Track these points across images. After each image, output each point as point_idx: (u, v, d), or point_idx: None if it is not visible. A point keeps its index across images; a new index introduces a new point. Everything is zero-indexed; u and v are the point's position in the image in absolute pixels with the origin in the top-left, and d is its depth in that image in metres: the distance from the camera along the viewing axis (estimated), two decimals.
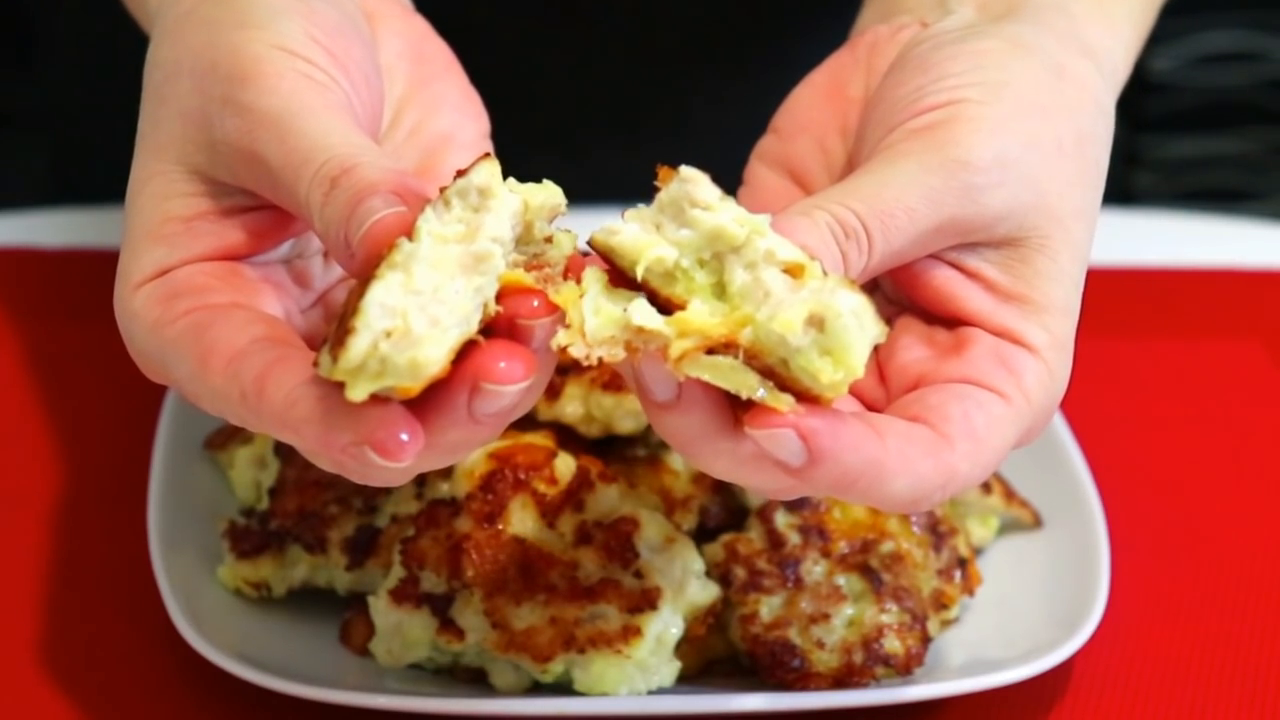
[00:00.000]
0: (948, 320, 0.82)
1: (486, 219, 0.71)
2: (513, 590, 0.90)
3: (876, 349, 0.73)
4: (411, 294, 0.69)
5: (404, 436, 0.69)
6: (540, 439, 0.97)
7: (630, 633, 0.89)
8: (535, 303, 0.72)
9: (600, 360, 0.71)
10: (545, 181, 0.75)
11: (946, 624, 0.97)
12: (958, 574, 0.97)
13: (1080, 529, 1.00)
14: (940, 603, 0.95)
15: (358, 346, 0.67)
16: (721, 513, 0.98)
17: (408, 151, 0.87)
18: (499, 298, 0.71)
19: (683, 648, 0.92)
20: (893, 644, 0.92)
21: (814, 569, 0.94)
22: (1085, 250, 0.83)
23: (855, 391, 0.81)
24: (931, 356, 0.81)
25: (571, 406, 0.98)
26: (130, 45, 0.94)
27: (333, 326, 0.72)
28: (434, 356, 0.68)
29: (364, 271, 0.70)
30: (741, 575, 0.94)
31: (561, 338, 0.71)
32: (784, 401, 0.71)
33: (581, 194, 0.82)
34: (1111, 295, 1.23)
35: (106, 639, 0.97)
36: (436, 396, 0.70)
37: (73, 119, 1.47)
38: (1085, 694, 0.96)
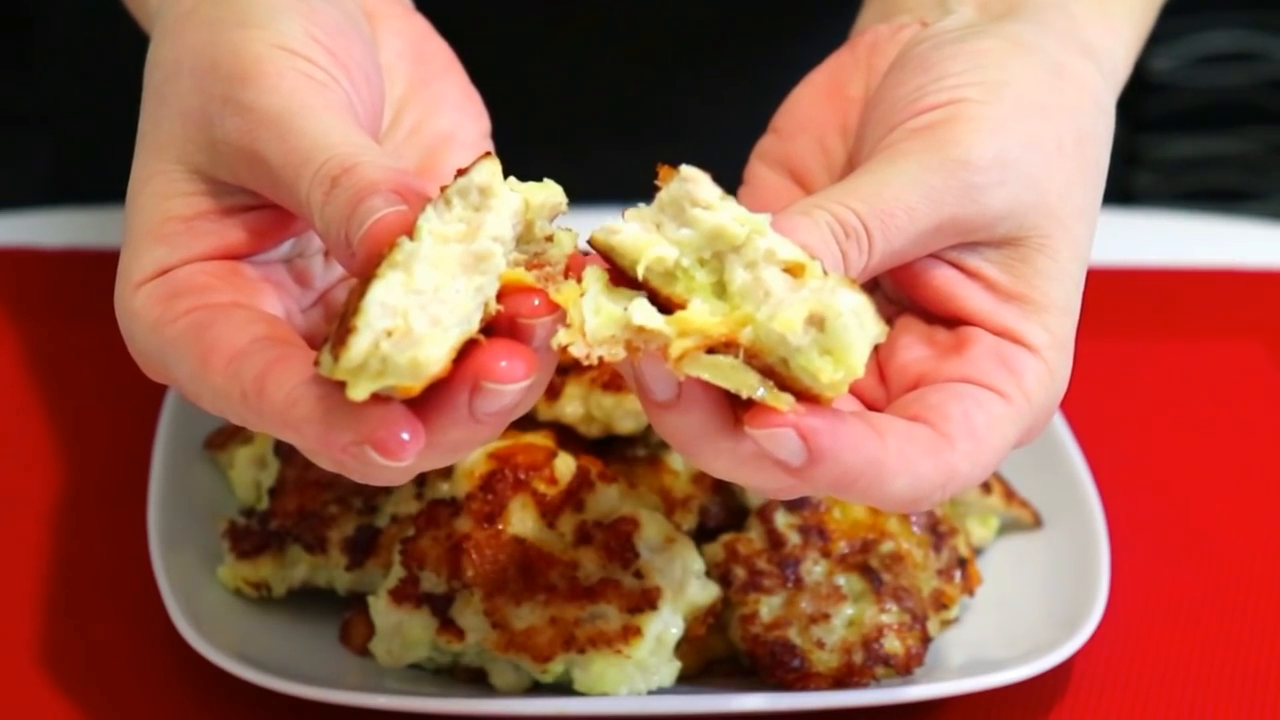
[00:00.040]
0: (948, 320, 0.82)
1: (487, 218, 0.71)
2: (513, 590, 0.90)
3: (877, 348, 0.73)
4: (412, 293, 0.69)
5: (405, 436, 0.69)
6: (540, 439, 0.97)
7: (630, 633, 0.89)
8: (536, 302, 0.72)
9: (600, 360, 0.71)
10: (546, 180, 0.75)
11: (946, 624, 0.97)
12: (958, 574, 0.97)
13: (1080, 529, 1.00)
14: (940, 603, 0.95)
15: (359, 346, 0.67)
16: (721, 513, 0.98)
17: (408, 151, 0.87)
18: (500, 297, 0.71)
19: (683, 648, 0.92)
20: (893, 644, 0.92)
21: (814, 569, 0.94)
22: (1086, 250, 0.83)
23: (855, 391, 0.81)
24: (932, 356, 0.81)
25: (571, 406, 0.98)
26: (130, 45, 0.94)
27: (334, 326, 0.72)
28: (435, 356, 0.68)
29: (365, 271, 0.70)
30: (741, 575, 0.94)
31: (562, 337, 0.71)
32: (784, 401, 0.71)
33: (582, 194, 0.82)
34: (1111, 295, 1.23)
35: (106, 639, 0.97)
36: (437, 396, 0.70)
37: (73, 119, 1.47)
38: (1085, 694, 0.96)
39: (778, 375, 0.71)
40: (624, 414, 0.98)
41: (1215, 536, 1.07)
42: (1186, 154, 1.77)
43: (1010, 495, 1.03)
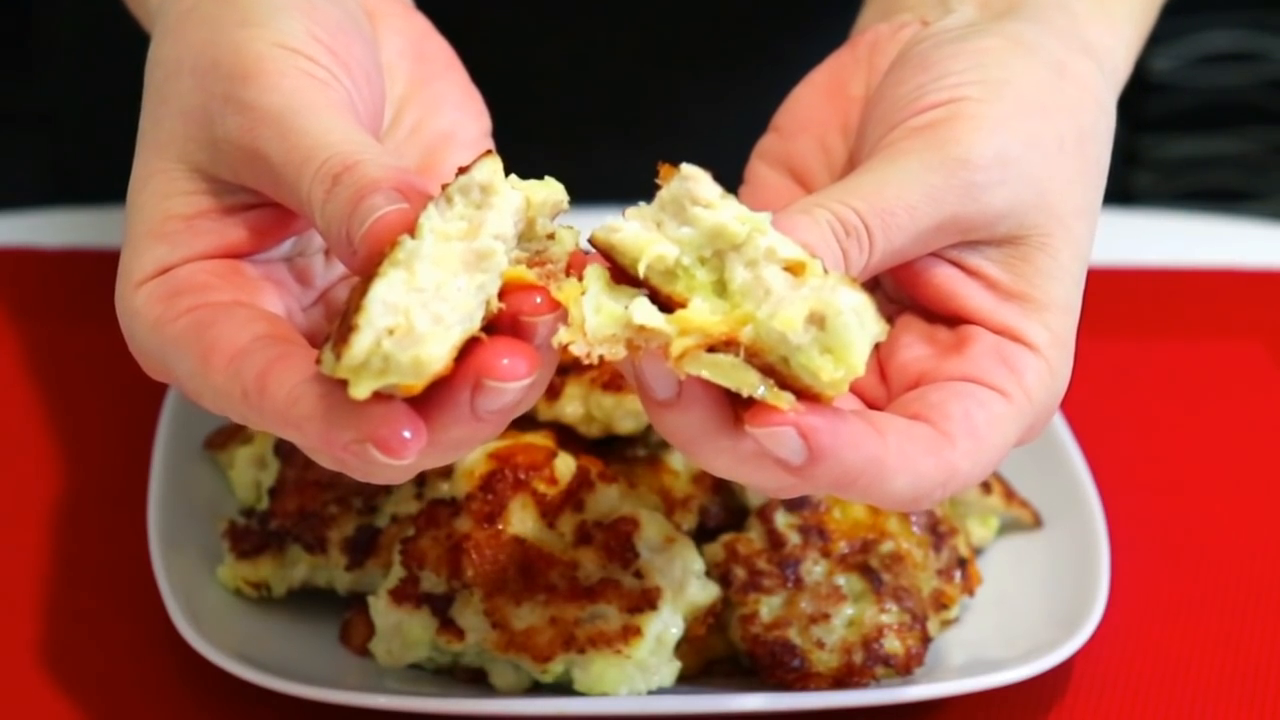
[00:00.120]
0: (949, 318, 0.82)
1: (489, 216, 0.71)
2: (513, 590, 0.90)
3: (877, 347, 0.73)
4: (414, 291, 0.69)
5: (406, 434, 0.69)
6: (540, 439, 0.97)
7: (630, 633, 0.89)
8: (538, 299, 0.71)
9: (601, 358, 0.71)
10: (547, 178, 0.75)
11: (946, 624, 0.97)
12: (958, 574, 0.97)
13: (1080, 529, 1.00)
14: (940, 603, 0.95)
15: (361, 344, 0.67)
16: (721, 513, 0.98)
17: (409, 150, 0.87)
18: (502, 294, 0.71)
19: (683, 648, 0.92)
20: (893, 644, 0.92)
21: (814, 569, 0.94)
22: (1086, 248, 0.83)
23: (856, 390, 0.81)
24: (932, 355, 0.81)
25: (571, 406, 0.98)
26: (130, 45, 0.94)
27: (335, 324, 0.71)
28: (437, 354, 0.68)
29: (366, 269, 0.70)
30: (741, 575, 0.94)
31: (563, 335, 0.71)
32: (784, 399, 0.71)
33: (582, 192, 0.82)
34: (1111, 295, 1.23)
35: (106, 639, 0.97)
36: (439, 394, 0.69)
37: (73, 119, 1.47)
38: (1085, 694, 0.96)
39: (778, 374, 0.71)
40: (624, 414, 0.98)
41: (1215, 536, 1.07)
42: (1186, 154, 1.77)
43: (1010, 495, 1.03)
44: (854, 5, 0.97)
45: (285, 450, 0.99)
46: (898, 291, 0.84)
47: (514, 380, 0.70)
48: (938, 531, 0.97)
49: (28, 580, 1.01)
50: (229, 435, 1.05)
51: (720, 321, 0.71)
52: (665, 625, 0.90)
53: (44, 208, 1.37)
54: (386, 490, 0.97)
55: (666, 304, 0.72)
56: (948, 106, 0.80)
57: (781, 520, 0.95)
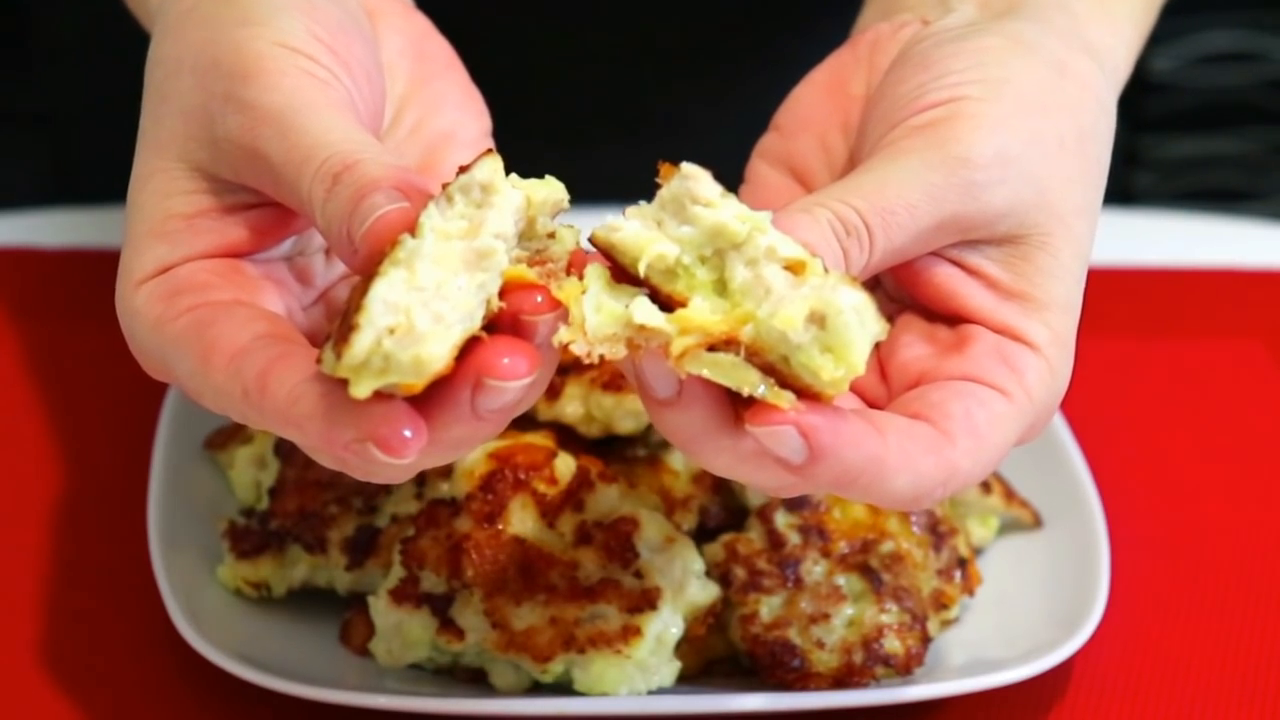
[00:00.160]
0: (949, 318, 0.82)
1: (489, 215, 0.71)
2: (513, 590, 0.90)
3: (878, 347, 0.73)
4: (415, 290, 0.69)
5: (407, 433, 0.69)
6: (540, 439, 0.97)
7: (630, 633, 0.89)
8: (539, 298, 0.72)
9: (602, 357, 0.71)
10: (548, 177, 0.75)
11: (946, 624, 0.97)
12: (958, 574, 0.97)
13: (1080, 529, 1.00)
14: (940, 603, 0.95)
15: (361, 343, 0.67)
16: (721, 513, 0.98)
17: (409, 149, 0.87)
18: (502, 293, 0.71)
19: (683, 648, 0.92)
20: (893, 644, 0.92)
21: (814, 569, 0.94)
22: (1087, 247, 0.83)
23: (857, 389, 0.81)
24: (933, 354, 0.81)
25: (571, 406, 0.98)
26: (130, 44, 0.94)
27: (336, 323, 0.71)
28: (437, 353, 0.68)
29: (367, 268, 0.70)
30: (741, 575, 0.94)
31: (563, 334, 0.71)
32: (785, 398, 0.71)
33: (582, 192, 0.82)
34: (1111, 295, 1.23)
35: (106, 639, 0.97)
36: (440, 393, 0.69)
37: (73, 119, 1.47)
38: (1085, 694, 0.96)
39: (779, 373, 0.71)
40: (624, 414, 0.98)
41: (1215, 536, 1.07)
42: (1186, 154, 1.77)
43: (1010, 495, 1.03)
44: (854, 5, 0.97)
45: (285, 450, 0.99)
46: (898, 291, 0.84)
47: (515, 379, 0.70)
48: (938, 531, 0.97)
49: (28, 580, 1.01)
50: (229, 435, 1.05)
51: (721, 320, 0.71)
52: (665, 625, 0.90)
53: (44, 208, 1.37)
54: (386, 490, 0.97)
55: (667, 303, 0.72)
56: (948, 105, 0.80)
57: (781, 520, 0.95)
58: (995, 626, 0.97)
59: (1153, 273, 1.32)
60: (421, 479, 0.96)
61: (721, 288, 0.72)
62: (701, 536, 0.96)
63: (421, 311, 0.68)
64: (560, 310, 0.72)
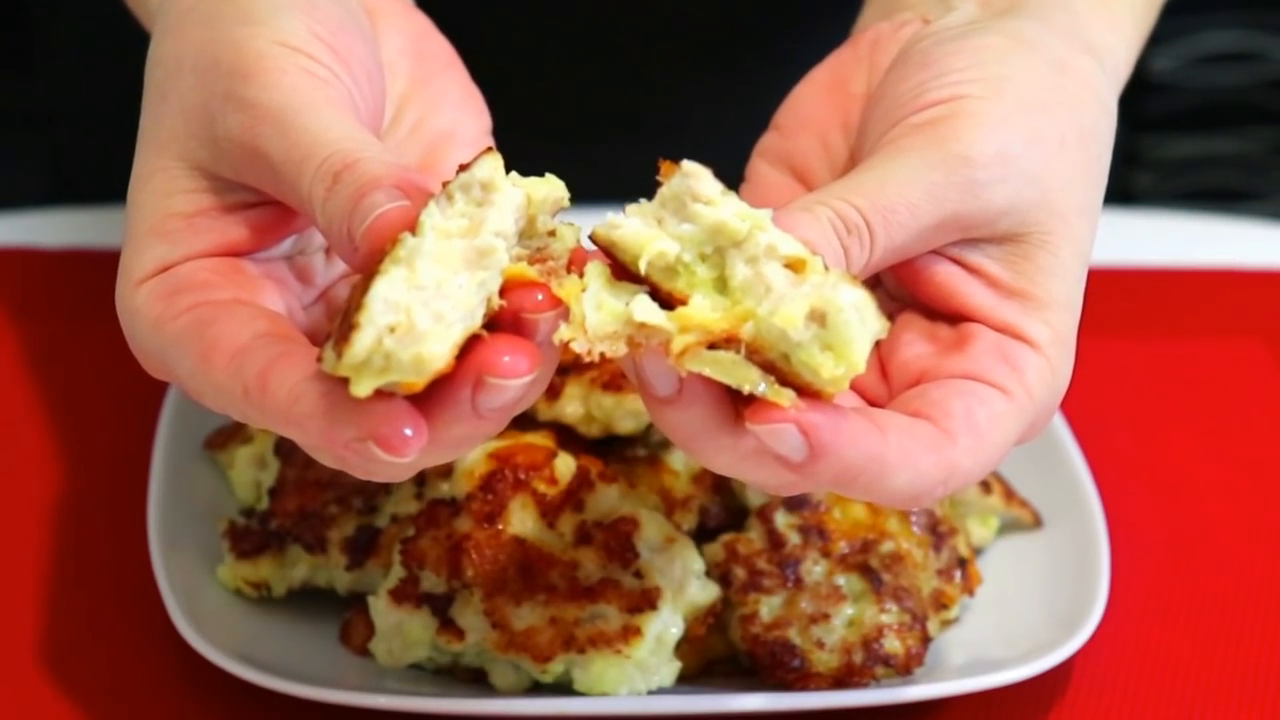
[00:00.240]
0: (950, 316, 0.82)
1: (490, 213, 0.71)
2: (513, 590, 0.90)
3: (878, 345, 0.73)
4: (415, 289, 0.69)
5: (408, 431, 0.69)
6: (540, 439, 0.97)
7: (630, 633, 0.89)
8: (539, 296, 0.71)
9: (602, 355, 0.71)
10: (548, 175, 0.75)
11: (946, 624, 0.97)
12: (958, 574, 0.97)
13: (1080, 529, 1.00)
14: (940, 603, 0.95)
15: (362, 342, 0.67)
16: (721, 513, 0.98)
17: (409, 148, 0.87)
18: (503, 292, 0.71)
19: (683, 648, 0.92)
20: (893, 644, 0.92)
21: (814, 569, 0.94)
22: (1087, 246, 0.83)
23: (857, 387, 0.81)
24: (933, 352, 0.81)
25: (571, 406, 0.98)
26: (130, 44, 0.94)
27: (336, 322, 0.71)
28: (438, 351, 0.68)
29: (367, 266, 0.70)
30: (741, 575, 0.94)
31: (564, 332, 0.71)
32: (785, 396, 0.70)
33: (583, 190, 0.81)
34: (1111, 295, 1.23)
35: (106, 639, 0.97)
36: (440, 391, 0.69)
37: (73, 119, 1.47)
38: (1085, 694, 0.96)
39: (779, 371, 0.71)
40: (624, 414, 0.98)
41: (1215, 536, 1.07)
42: (1186, 154, 1.77)
43: (1010, 495, 1.03)
44: (855, 4, 0.97)
45: (285, 450, 0.99)
46: (899, 289, 0.84)
47: (515, 377, 0.70)
48: (938, 531, 0.97)
49: (28, 580, 1.01)
50: (229, 435, 1.05)
51: (721, 318, 0.71)
52: (665, 625, 0.90)
53: (44, 208, 1.37)
54: (386, 490, 0.97)
55: (667, 301, 0.72)
56: (949, 104, 0.80)
57: (781, 520, 0.95)
58: (995, 626, 0.97)
59: (1153, 273, 1.32)
60: (421, 479, 0.96)
61: (722, 285, 0.72)
62: (701, 536, 0.96)
63: (422, 310, 0.68)
64: (561, 308, 0.72)
